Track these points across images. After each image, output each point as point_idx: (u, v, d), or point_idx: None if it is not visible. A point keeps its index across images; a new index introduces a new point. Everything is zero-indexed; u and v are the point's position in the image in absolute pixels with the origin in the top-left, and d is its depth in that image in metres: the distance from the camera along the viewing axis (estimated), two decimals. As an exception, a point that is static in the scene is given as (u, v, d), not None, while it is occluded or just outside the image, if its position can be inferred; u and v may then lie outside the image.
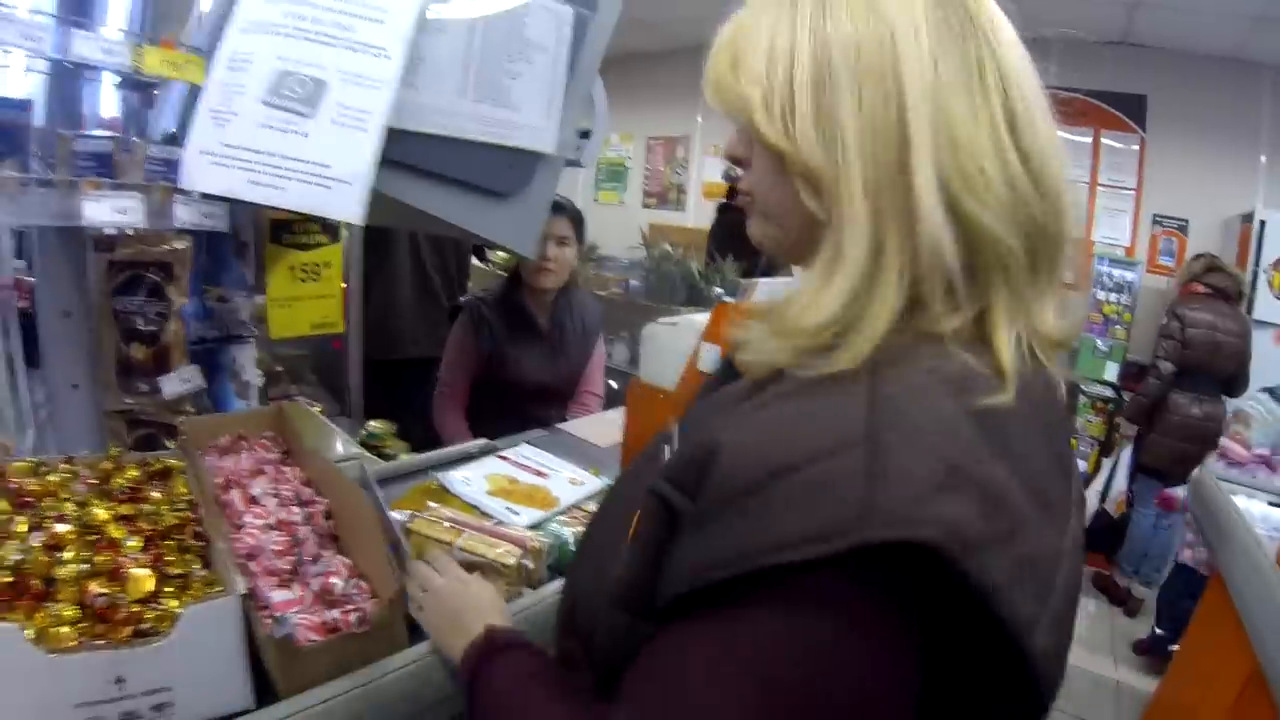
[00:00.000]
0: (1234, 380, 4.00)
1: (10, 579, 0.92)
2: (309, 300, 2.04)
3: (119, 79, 1.19)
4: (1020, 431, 0.55)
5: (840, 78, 0.59)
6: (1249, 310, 4.21)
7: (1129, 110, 5.09)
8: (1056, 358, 0.65)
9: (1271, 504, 2.30)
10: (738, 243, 3.97)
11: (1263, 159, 4.75)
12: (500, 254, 4.46)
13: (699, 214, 7.20)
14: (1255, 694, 1.70)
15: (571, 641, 0.76)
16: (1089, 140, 5.21)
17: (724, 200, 4.96)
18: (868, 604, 0.51)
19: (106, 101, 1.40)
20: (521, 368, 2.40)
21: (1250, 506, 2.23)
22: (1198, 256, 4.25)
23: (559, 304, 2.48)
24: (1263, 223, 4.35)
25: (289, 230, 1.93)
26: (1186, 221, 4.99)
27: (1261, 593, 1.76)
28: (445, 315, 3.41)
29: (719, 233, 4.90)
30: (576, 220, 2.42)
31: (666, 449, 0.74)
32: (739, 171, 0.70)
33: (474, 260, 4.54)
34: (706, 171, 7.16)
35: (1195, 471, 2.58)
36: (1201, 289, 4.05)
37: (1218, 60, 4.76)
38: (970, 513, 0.49)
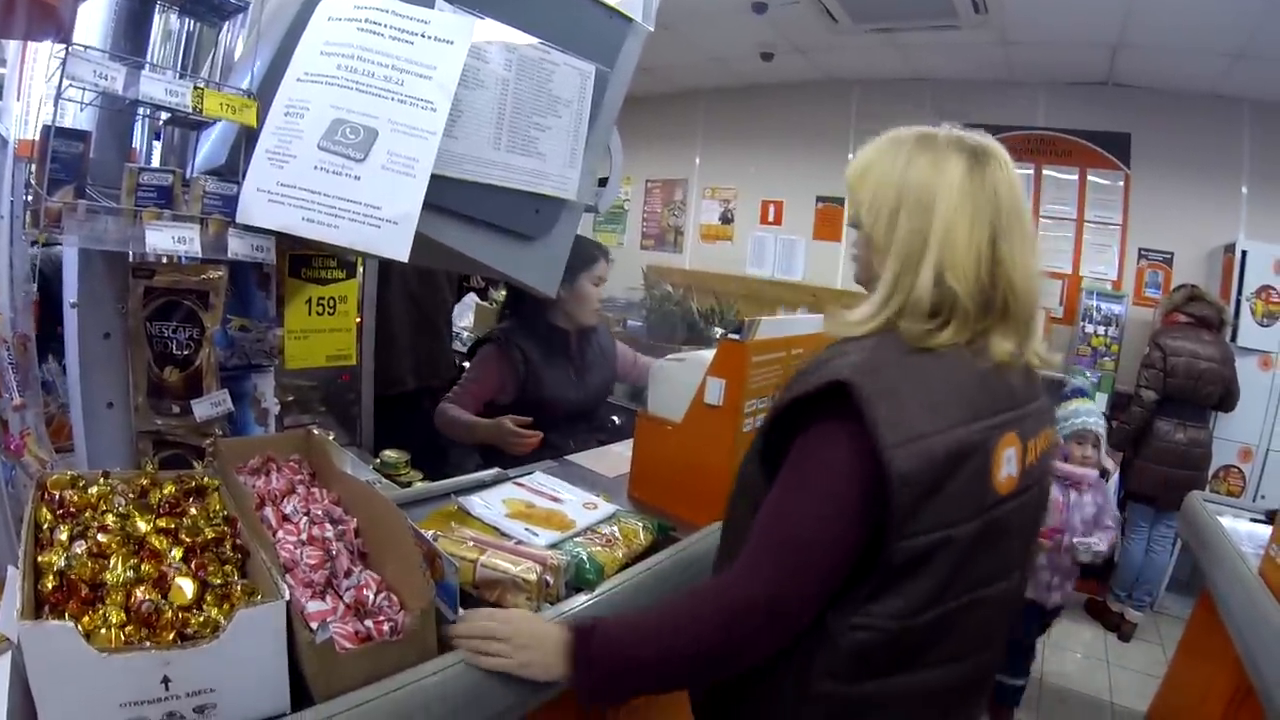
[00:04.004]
0: (1223, 401, 4.09)
1: (56, 583, 0.96)
2: (325, 333, 2.09)
3: (167, 115, 1.26)
4: (937, 376, 1.01)
5: (902, 207, 1.06)
6: (1233, 338, 4.31)
7: (1114, 148, 5.23)
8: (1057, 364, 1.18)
9: (1254, 520, 2.36)
10: None
11: (1244, 190, 4.86)
12: (503, 293, 4.53)
13: (696, 255, 7.30)
14: (1245, 705, 1.74)
15: (730, 536, 1.21)
16: (1075, 178, 5.35)
17: None
18: (831, 425, 0.99)
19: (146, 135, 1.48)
20: (556, 387, 2.54)
21: (1236, 525, 2.29)
22: (1179, 287, 4.38)
23: (584, 333, 2.66)
24: (1244, 252, 4.46)
25: (308, 264, 1.99)
26: (1171, 254, 5.09)
27: (1248, 606, 1.81)
28: (442, 348, 3.48)
29: None
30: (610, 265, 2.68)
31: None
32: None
33: (476, 299, 4.62)
34: (704, 214, 7.27)
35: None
36: (1183, 318, 4.16)
37: (1198, 97, 4.91)
38: (870, 382, 0.95)
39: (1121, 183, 5.22)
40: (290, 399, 2.40)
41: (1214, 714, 1.98)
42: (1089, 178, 5.31)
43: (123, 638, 0.89)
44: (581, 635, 1.08)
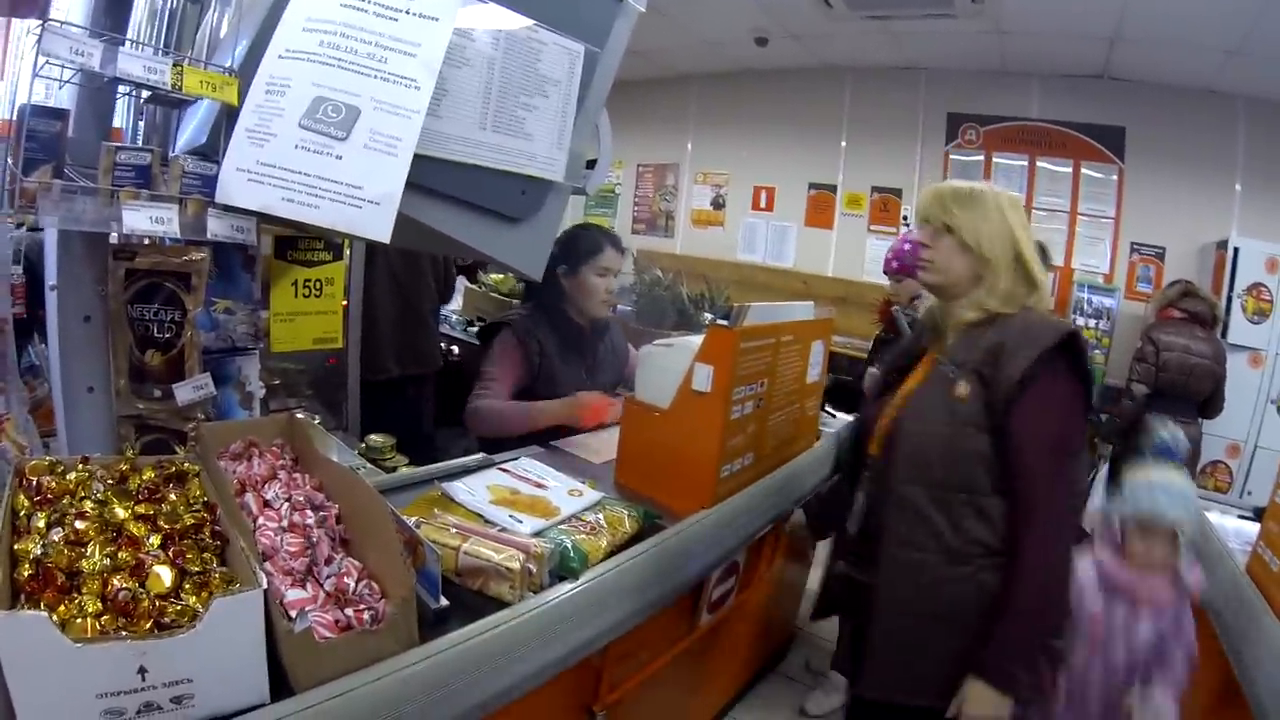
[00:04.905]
0: (1209, 402, 4.09)
1: (32, 571, 0.95)
2: (311, 315, 2.07)
3: (148, 94, 1.23)
4: None
5: (993, 232, 1.61)
6: (1224, 334, 4.32)
7: (1108, 142, 5.24)
8: None
9: (1242, 517, 2.36)
10: None
11: (1237, 188, 4.88)
12: (493, 275, 4.49)
13: (687, 240, 7.28)
14: (1231, 696, 1.75)
15: (914, 486, 1.54)
16: (1069, 171, 5.35)
17: None
18: (1064, 366, 1.50)
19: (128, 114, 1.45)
20: (567, 384, 2.44)
21: (1223, 521, 2.30)
22: (1173, 282, 4.37)
23: (597, 329, 2.58)
24: (1236, 249, 4.49)
25: (294, 246, 1.97)
26: (1164, 249, 5.11)
27: (1235, 605, 1.81)
28: (427, 334, 3.45)
29: None
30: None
31: (948, 371, 1.58)
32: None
33: (465, 282, 4.58)
34: (695, 199, 7.24)
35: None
36: (1177, 314, 4.15)
37: (1193, 93, 4.92)
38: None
39: (1115, 176, 5.23)
40: (277, 382, 2.38)
41: (1200, 707, 1.99)
42: (1083, 170, 5.32)
43: (99, 627, 0.88)
44: (1007, 677, 1.43)
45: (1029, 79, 5.40)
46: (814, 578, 3.17)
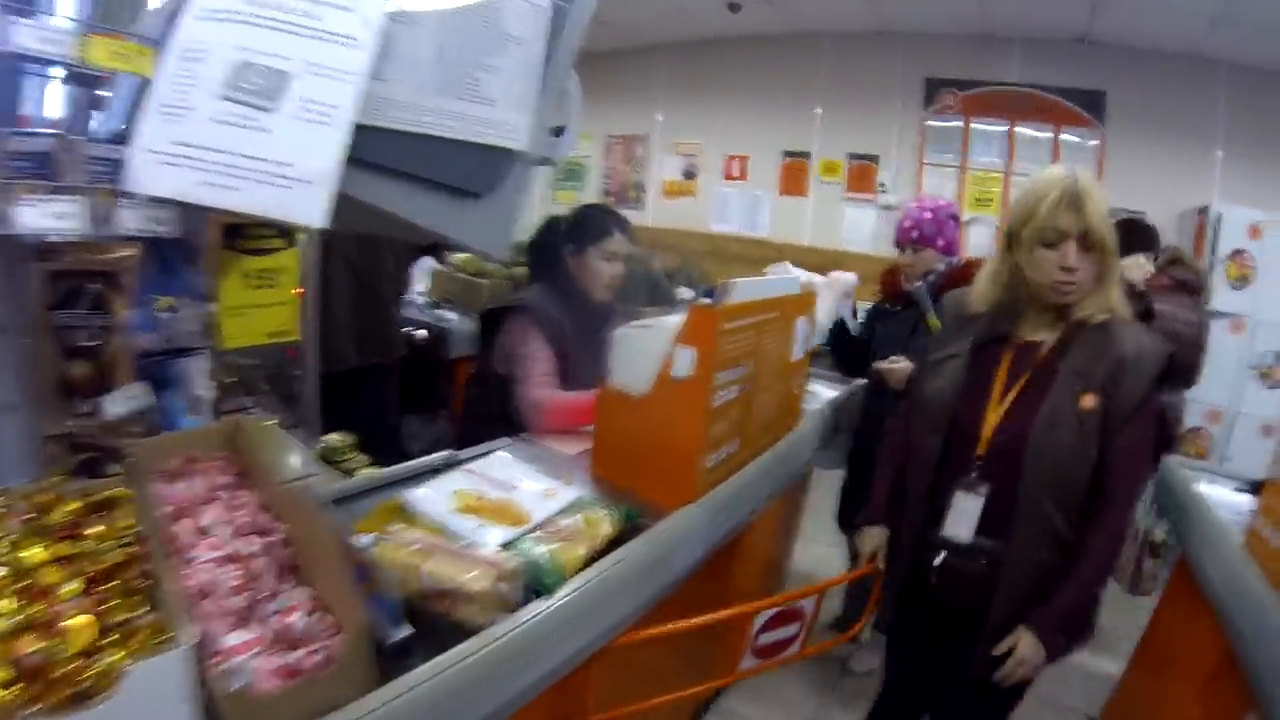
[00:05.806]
0: (1190, 371, 4.04)
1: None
2: (265, 308, 1.94)
3: (63, 73, 1.08)
4: None
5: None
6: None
7: (1089, 106, 5.18)
8: None
9: (1238, 490, 2.32)
10: None
11: (1218, 154, 4.86)
12: (459, 255, 4.35)
13: (658, 213, 7.15)
14: (1226, 674, 1.71)
15: (1043, 494, 1.56)
16: (1049, 136, 5.29)
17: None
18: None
19: (51, 100, 1.30)
20: (583, 371, 2.30)
21: (1213, 492, 2.26)
22: (1162, 249, 4.31)
23: (602, 314, 2.46)
24: (1219, 215, 4.45)
25: (242, 235, 1.83)
26: (1144, 214, 5.05)
27: (1229, 574, 1.78)
28: (388, 319, 3.32)
29: None
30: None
31: (1074, 381, 1.56)
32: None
33: (433, 262, 4.43)
34: (666, 169, 7.11)
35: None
36: (1165, 280, 4.09)
37: (1175, 58, 4.86)
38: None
39: (1095, 142, 5.18)
40: (232, 380, 2.25)
41: (1195, 680, 1.95)
42: (1063, 135, 5.27)
43: (8, 702, 0.76)
44: (1053, 641, 1.58)
45: (1009, 43, 5.31)
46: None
